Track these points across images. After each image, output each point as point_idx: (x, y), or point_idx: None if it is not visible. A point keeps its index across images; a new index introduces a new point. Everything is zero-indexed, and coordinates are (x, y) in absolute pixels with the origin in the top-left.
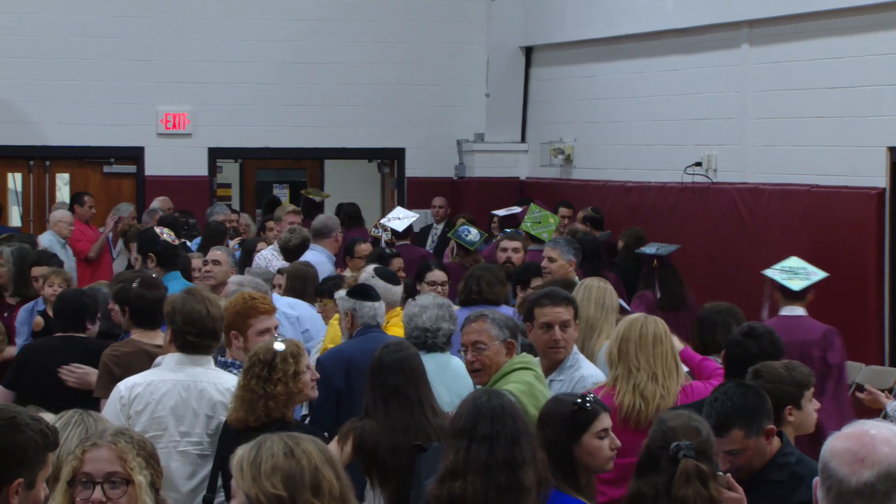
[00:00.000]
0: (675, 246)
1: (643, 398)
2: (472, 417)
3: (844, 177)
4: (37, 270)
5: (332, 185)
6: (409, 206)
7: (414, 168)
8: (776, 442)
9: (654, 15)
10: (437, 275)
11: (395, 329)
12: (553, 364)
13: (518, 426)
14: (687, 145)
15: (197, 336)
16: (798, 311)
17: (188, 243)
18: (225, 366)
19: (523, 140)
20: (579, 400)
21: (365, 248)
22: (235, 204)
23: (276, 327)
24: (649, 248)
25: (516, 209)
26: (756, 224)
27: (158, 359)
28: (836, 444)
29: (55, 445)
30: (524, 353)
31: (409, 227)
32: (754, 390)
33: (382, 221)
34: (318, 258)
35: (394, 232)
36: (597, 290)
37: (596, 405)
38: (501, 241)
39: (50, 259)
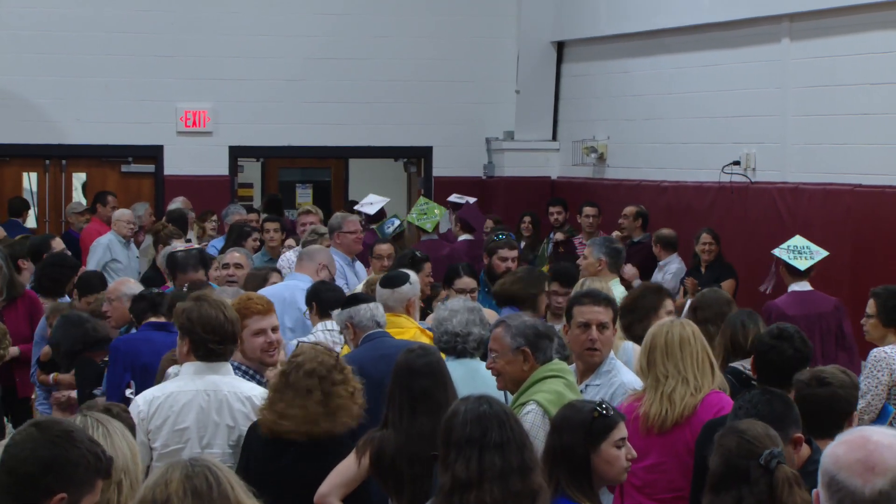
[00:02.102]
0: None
1: (670, 401)
2: (478, 424)
3: (889, 176)
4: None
5: (356, 185)
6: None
7: (441, 167)
8: (805, 450)
9: (692, 8)
10: (467, 281)
11: (406, 331)
12: (589, 368)
13: (522, 432)
14: (725, 143)
15: (220, 343)
16: (807, 286)
17: (208, 245)
18: (236, 370)
19: (554, 138)
20: (598, 407)
21: (386, 248)
22: (257, 204)
23: (274, 328)
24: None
25: (470, 199)
26: (797, 225)
27: (172, 368)
28: (840, 453)
29: (107, 474)
30: (556, 361)
31: (381, 210)
32: (780, 397)
33: (356, 207)
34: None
35: (366, 216)
36: (606, 288)
37: (615, 414)
38: (500, 249)
39: (63, 260)
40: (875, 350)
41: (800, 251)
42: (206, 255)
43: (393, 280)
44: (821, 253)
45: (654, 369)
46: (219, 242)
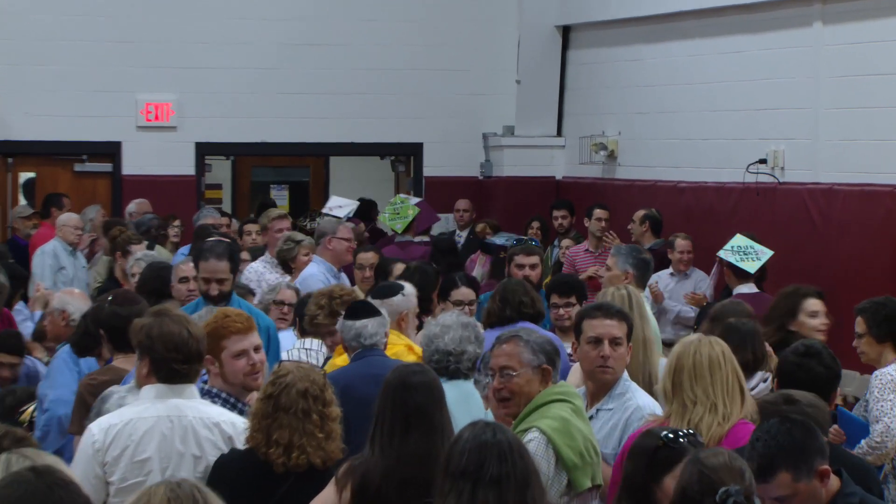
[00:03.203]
0: (514, 237)
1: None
2: (476, 456)
3: None
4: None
5: (338, 185)
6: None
7: (433, 166)
8: (834, 482)
9: None
10: (465, 292)
11: (391, 347)
12: (600, 390)
13: (528, 466)
14: (750, 139)
15: (184, 362)
16: (753, 287)
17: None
18: (209, 396)
19: (559, 134)
20: (666, 436)
21: (369, 256)
22: (227, 207)
23: (257, 347)
24: (498, 239)
25: (414, 198)
26: (830, 230)
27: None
28: None
29: None
30: (562, 383)
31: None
32: (802, 425)
33: (324, 211)
34: (314, 270)
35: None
36: (618, 300)
37: (685, 445)
38: (516, 255)
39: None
40: (878, 372)
41: (745, 252)
42: (235, 248)
43: (384, 290)
44: (766, 252)
45: (682, 394)
46: (186, 250)
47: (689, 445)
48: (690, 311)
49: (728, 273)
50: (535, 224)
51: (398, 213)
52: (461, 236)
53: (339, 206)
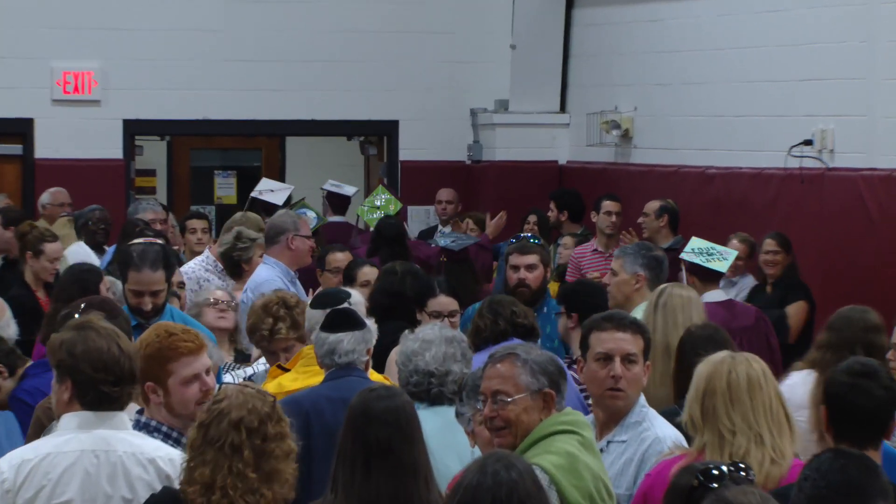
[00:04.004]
0: (473, 239)
1: None
2: (475, 496)
3: None
4: None
5: (297, 172)
6: (406, 200)
7: (411, 148)
8: None
9: None
10: (444, 302)
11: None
12: (612, 418)
13: None
14: (793, 117)
15: (115, 384)
16: (721, 295)
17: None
18: (146, 430)
19: (563, 109)
20: (703, 474)
21: (342, 258)
22: (162, 197)
23: (208, 370)
24: (441, 240)
25: (350, 189)
26: (888, 222)
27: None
28: None
29: None
30: (568, 410)
31: (290, 199)
32: (859, 461)
33: (253, 195)
34: (269, 274)
35: (269, 206)
36: (680, 305)
37: (727, 481)
38: (511, 254)
39: None
40: None
41: (709, 253)
42: (169, 252)
43: (326, 299)
44: (730, 253)
45: (715, 422)
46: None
47: (732, 483)
48: None
49: (691, 279)
50: (532, 218)
51: (378, 208)
52: (444, 233)
53: (272, 189)
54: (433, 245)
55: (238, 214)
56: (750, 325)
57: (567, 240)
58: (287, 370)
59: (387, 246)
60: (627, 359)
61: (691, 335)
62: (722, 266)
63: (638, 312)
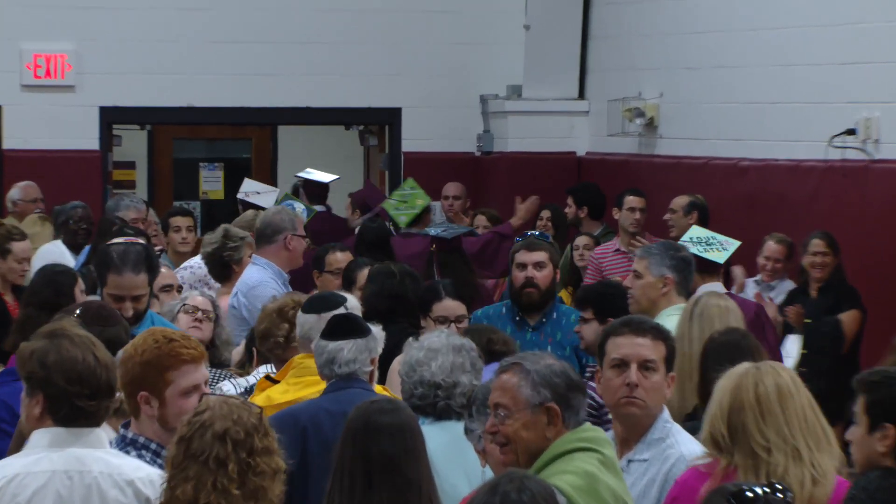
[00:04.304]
0: (465, 228)
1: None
2: None
3: None
4: None
5: (290, 163)
6: None
7: (415, 139)
8: None
9: None
10: (449, 306)
11: (300, 388)
12: (632, 433)
13: None
14: (834, 104)
15: (91, 398)
16: (720, 287)
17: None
18: (133, 446)
19: (582, 96)
20: (734, 496)
21: (342, 258)
22: (142, 192)
23: (206, 381)
24: (432, 229)
25: (328, 177)
26: None
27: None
28: None
29: None
30: (587, 426)
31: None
32: None
33: (239, 196)
34: (262, 276)
35: (317, 191)
36: (717, 314)
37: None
38: (517, 252)
39: None
40: None
41: (708, 243)
42: (152, 253)
43: (320, 303)
44: (732, 243)
45: (747, 438)
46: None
47: None
48: None
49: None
50: (546, 214)
51: (405, 202)
52: (435, 223)
53: (258, 191)
54: (423, 235)
55: (249, 213)
56: (749, 320)
57: (582, 240)
58: (276, 382)
59: (368, 252)
60: (645, 366)
61: (714, 343)
62: (720, 257)
63: (664, 319)
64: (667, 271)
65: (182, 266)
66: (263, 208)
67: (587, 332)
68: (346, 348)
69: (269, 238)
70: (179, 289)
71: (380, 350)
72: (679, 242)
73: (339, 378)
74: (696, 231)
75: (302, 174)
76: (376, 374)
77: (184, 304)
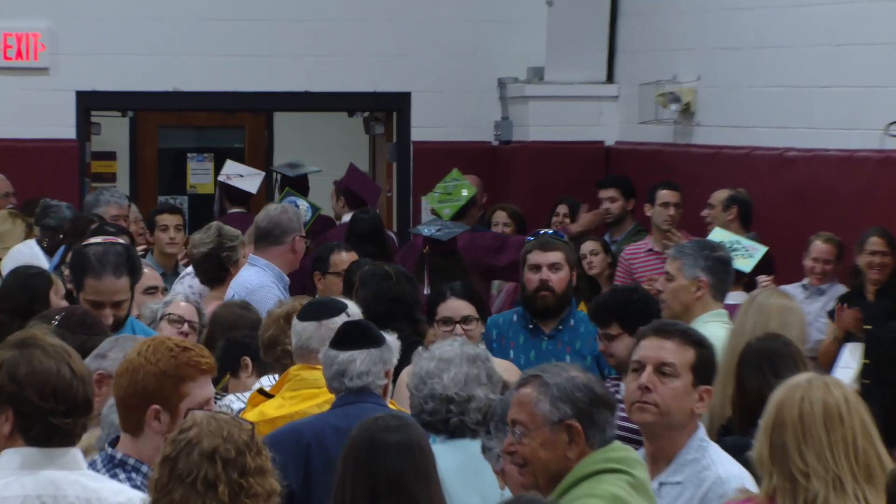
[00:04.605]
0: (462, 227)
1: None
2: None
3: None
4: None
5: (286, 154)
6: (419, 189)
7: (426, 126)
8: None
9: None
10: (454, 306)
11: (303, 402)
12: (661, 451)
13: None
14: (891, 87)
15: (66, 415)
16: (743, 297)
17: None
18: (122, 468)
19: (611, 79)
20: None
21: (348, 258)
22: (123, 185)
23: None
24: (425, 229)
25: (309, 168)
26: None
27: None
28: None
29: None
30: (617, 444)
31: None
32: None
33: (220, 179)
34: (262, 279)
35: (241, 194)
36: (776, 314)
37: None
38: (529, 252)
39: None
40: None
41: (733, 249)
42: (134, 254)
43: (319, 309)
44: (758, 249)
45: (786, 460)
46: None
47: None
48: (817, 335)
49: None
50: (562, 209)
51: (450, 194)
52: (428, 220)
53: (241, 174)
54: (416, 234)
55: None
56: None
57: (588, 245)
58: (270, 396)
59: (359, 245)
60: (661, 369)
61: (751, 349)
62: (746, 264)
63: (700, 326)
64: (700, 273)
65: (179, 278)
66: (250, 193)
67: (619, 349)
68: (358, 359)
69: (275, 239)
70: (164, 291)
71: (395, 361)
72: None
73: (350, 391)
74: (720, 234)
75: (280, 169)
76: (391, 388)
77: (168, 315)
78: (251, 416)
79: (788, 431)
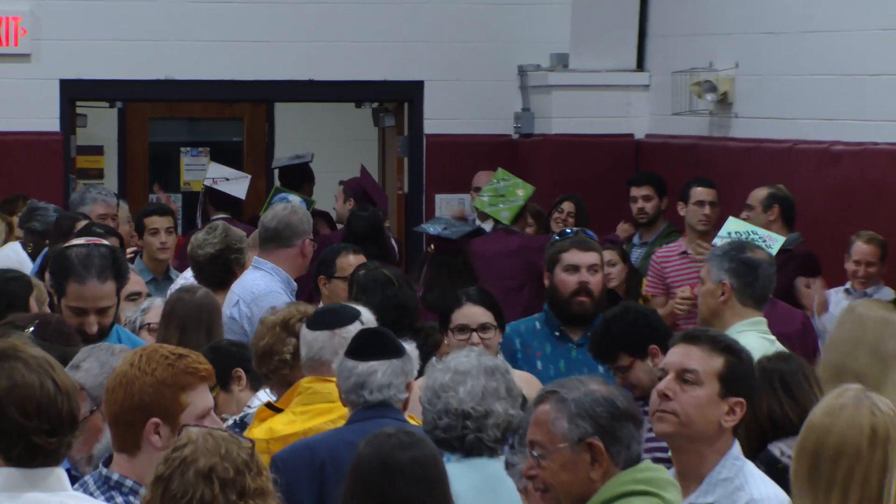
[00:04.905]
0: (470, 227)
1: None
2: None
3: None
4: None
5: (288, 148)
6: (432, 186)
7: (439, 118)
8: None
9: None
10: (472, 312)
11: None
12: (685, 466)
13: None
14: None
15: (51, 433)
16: None
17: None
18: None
19: (641, 67)
20: None
21: (356, 261)
22: (111, 183)
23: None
24: (431, 227)
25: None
26: None
27: None
28: None
29: None
30: (648, 464)
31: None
32: None
33: (206, 184)
34: (269, 284)
35: (226, 199)
36: (873, 326)
37: None
38: (565, 251)
39: None
40: None
41: (748, 240)
42: (120, 257)
43: (331, 317)
44: (776, 240)
45: (818, 484)
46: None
47: None
48: None
49: None
50: (567, 206)
51: (503, 196)
52: (484, 229)
53: (227, 177)
54: (424, 232)
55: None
56: (793, 332)
57: (609, 255)
58: (279, 410)
59: (358, 245)
60: (683, 376)
61: (761, 369)
62: None
63: (735, 335)
64: (725, 276)
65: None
66: (238, 199)
67: (638, 377)
68: (379, 370)
69: (285, 241)
70: (148, 297)
71: (416, 373)
72: (714, 238)
73: (368, 406)
74: (734, 224)
75: (281, 162)
76: (409, 402)
77: (147, 324)
78: (259, 432)
79: (825, 452)
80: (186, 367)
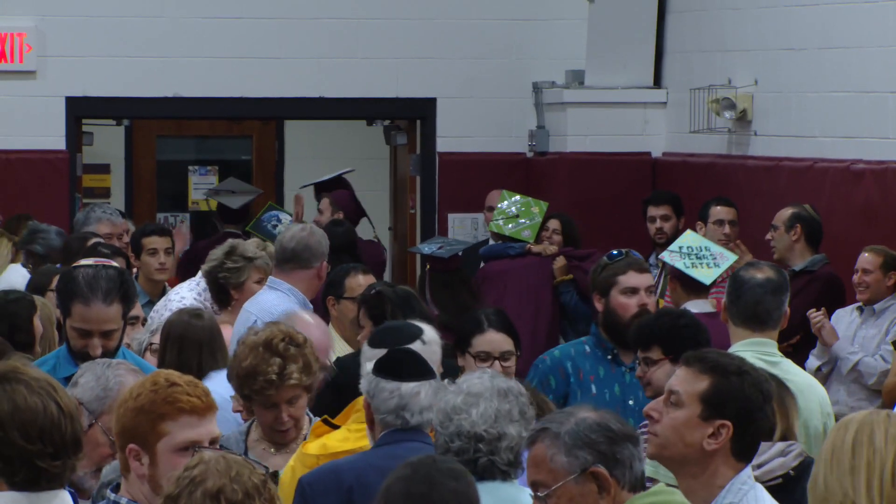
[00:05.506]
0: (466, 243)
1: None
2: None
3: None
4: None
5: (297, 166)
6: (444, 205)
7: (452, 136)
8: None
9: None
10: (494, 339)
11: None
12: (687, 492)
13: None
14: None
15: (55, 456)
16: (707, 306)
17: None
18: None
19: (658, 83)
20: None
21: (365, 281)
22: (118, 202)
23: (214, 440)
24: (426, 247)
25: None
26: None
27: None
28: None
29: None
30: (659, 487)
31: (247, 205)
32: None
33: (210, 197)
34: (286, 305)
35: (224, 210)
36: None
37: None
38: (620, 274)
39: None
40: None
41: (698, 255)
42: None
43: (394, 336)
44: (727, 258)
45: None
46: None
47: None
48: (878, 364)
49: (673, 284)
50: (552, 224)
51: (518, 216)
52: (431, 239)
53: (233, 191)
54: (419, 252)
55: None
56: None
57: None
58: (336, 427)
59: (335, 256)
60: (670, 398)
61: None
62: (707, 275)
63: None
64: (722, 296)
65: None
66: (233, 209)
67: (658, 377)
68: (423, 392)
69: (304, 262)
70: (144, 322)
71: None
72: (664, 252)
73: (402, 429)
74: (690, 238)
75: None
76: None
77: (151, 345)
78: (313, 447)
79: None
80: (168, 396)
